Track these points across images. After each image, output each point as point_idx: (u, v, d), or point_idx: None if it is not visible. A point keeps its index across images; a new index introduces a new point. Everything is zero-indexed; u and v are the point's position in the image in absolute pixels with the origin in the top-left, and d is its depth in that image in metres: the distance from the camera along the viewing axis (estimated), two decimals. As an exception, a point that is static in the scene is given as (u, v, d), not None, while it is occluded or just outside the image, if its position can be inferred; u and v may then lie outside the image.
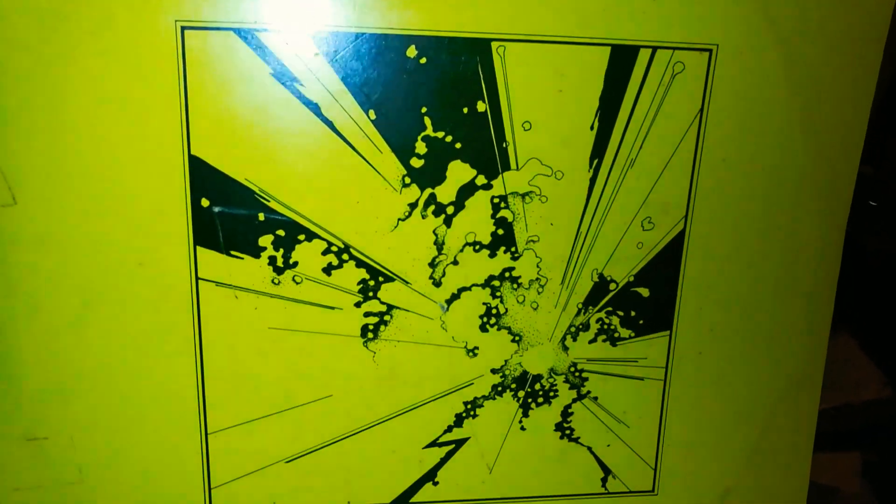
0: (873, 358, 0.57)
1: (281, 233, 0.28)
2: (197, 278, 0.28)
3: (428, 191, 0.28)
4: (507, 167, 0.29)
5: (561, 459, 0.33)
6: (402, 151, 0.28)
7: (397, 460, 0.32)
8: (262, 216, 0.28)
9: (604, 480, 0.33)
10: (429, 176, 0.28)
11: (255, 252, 0.28)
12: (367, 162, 0.28)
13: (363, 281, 0.29)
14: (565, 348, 0.32)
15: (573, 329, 0.31)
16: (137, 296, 0.28)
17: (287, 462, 0.31)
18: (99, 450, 0.29)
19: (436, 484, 0.32)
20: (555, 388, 0.32)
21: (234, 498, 0.31)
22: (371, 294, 0.29)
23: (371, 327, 0.30)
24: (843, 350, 0.58)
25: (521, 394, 0.32)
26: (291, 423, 0.30)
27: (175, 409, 0.29)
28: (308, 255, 0.28)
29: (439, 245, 0.29)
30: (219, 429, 0.30)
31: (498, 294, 0.30)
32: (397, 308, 0.30)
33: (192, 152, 0.27)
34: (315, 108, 0.27)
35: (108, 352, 0.28)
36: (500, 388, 0.32)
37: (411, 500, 0.32)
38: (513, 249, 0.30)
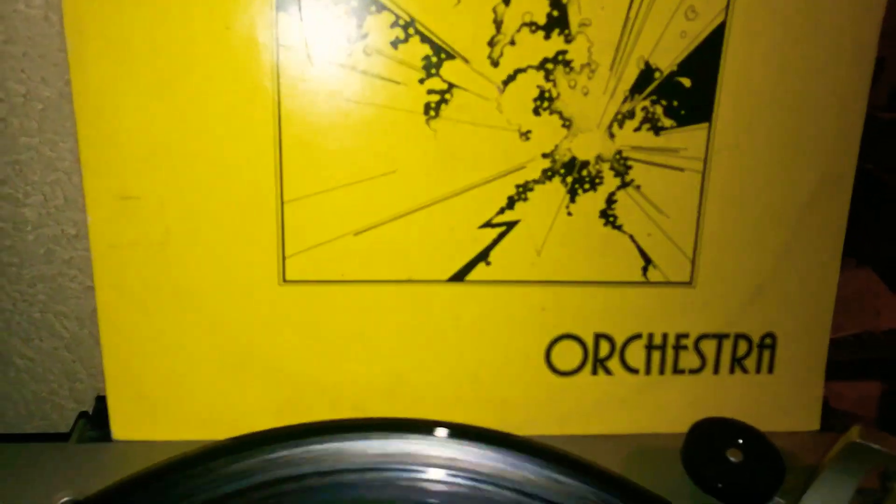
0: (894, 289, 0.59)
1: (354, 3, 0.30)
2: (278, 45, 0.31)
3: (489, -34, 0.31)
4: (562, -54, 0.31)
5: (605, 246, 0.35)
6: (467, -75, 0.30)
7: (454, 239, 0.34)
8: (338, -15, 0.30)
9: (644, 269, 0.36)
10: (490, -49, 0.30)
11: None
12: (435, -66, 0.30)
13: (426, 57, 0.32)
14: (612, 135, 0.34)
15: (619, 116, 0.34)
16: (224, 61, 0.30)
17: (355, 235, 0.34)
18: (184, 213, 0.32)
19: (488, 264, 0.35)
20: (601, 174, 0.34)
21: (306, 268, 0.34)
22: (433, 71, 0.32)
23: (433, 105, 0.32)
24: (864, 281, 0.60)
25: (569, 179, 0.34)
26: (360, 197, 0.33)
27: (255, 176, 0.32)
28: (377, 26, 0.31)
29: (498, 23, 0.32)
30: (294, 198, 0.33)
31: (551, 78, 0.33)
32: (457, 87, 0.32)
33: (277, -82, 0.29)
34: None
35: (194, 115, 0.31)
36: (549, 173, 0.34)
37: (466, 278, 0.35)
38: (566, 32, 0.32)
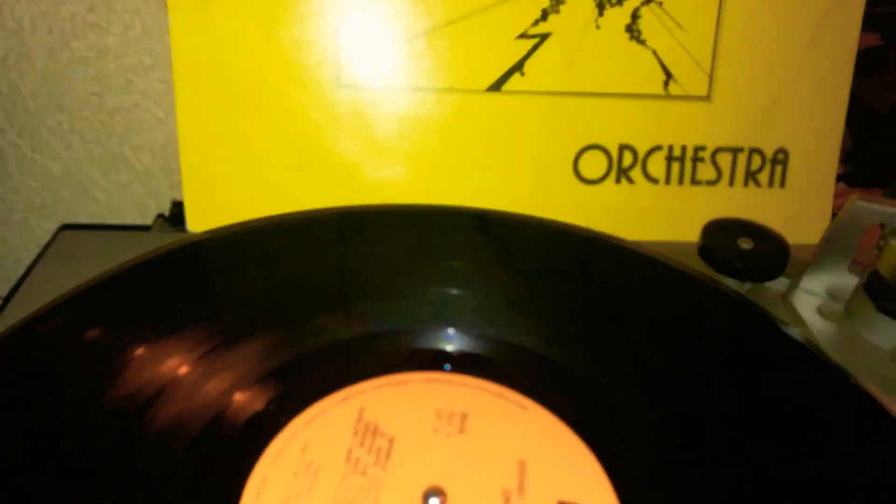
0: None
1: None
2: None
3: None
4: None
5: (629, 60, 0.39)
6: None
7: (492, 50, 0.38)
8: None
9: (665, 84, 0.39)
10: None
11: None
12: None
13: None
14: (636, -49, 0.37)
15: (643, -67, 0.37)
16: None
17: (404, 42, 0.37)
18: (256, 13, 0.37)
19: (523, 74, 0.38)
20: (626, -11, 0.38)
21: (359, 72, 0.38)
22: None
23: (474, -82, 0.36)
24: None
25: (598, -7, 0.38)
26: (407, 6, 0.37)
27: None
28: None
29: None
30: (352, 5, 0.37)
31: None
32: None
33: None
34: None
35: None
36: (579, -14, 0.37)
37: (502, 88, 0.39)
38: None
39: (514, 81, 0.39)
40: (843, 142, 0.42)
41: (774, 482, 0.24)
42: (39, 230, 0.50)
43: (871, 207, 0.33)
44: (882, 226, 0.33)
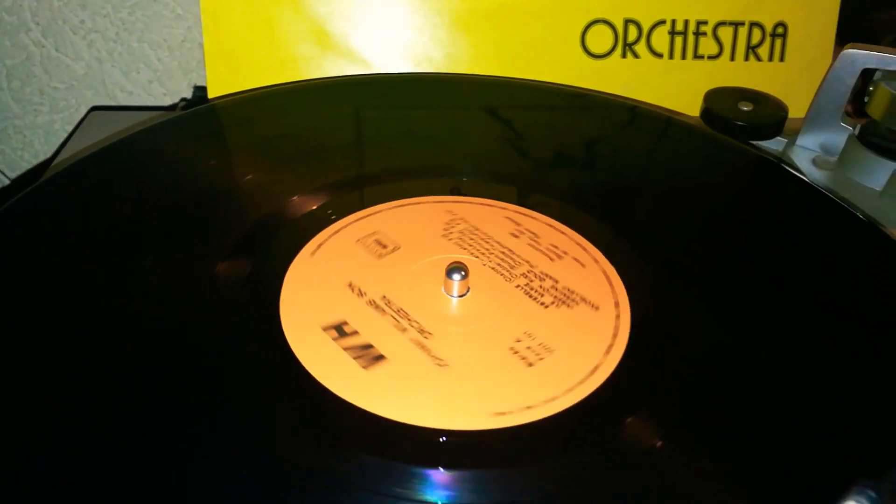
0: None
1: None
2: None
3: None
4: None
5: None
6: None
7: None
8: None
9: (668, -42, 0.41)
10: None
11: None
12: None
13: None
14: None
15: None
16: None
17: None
18: None
19: (531, -51, 0.40)
20: None
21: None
22: None
23: None
24: None
25: None
26: None
27: None
28: None
29: None
30: None
31: None
32: None
33: None
34: None
35: None
36: None
37: (511, -37, 0.40)
38: None
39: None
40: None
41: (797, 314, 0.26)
42: (63, 133, 0.51)
43: (862, 53, 0.34)
44: (872, 73, 0.35)
